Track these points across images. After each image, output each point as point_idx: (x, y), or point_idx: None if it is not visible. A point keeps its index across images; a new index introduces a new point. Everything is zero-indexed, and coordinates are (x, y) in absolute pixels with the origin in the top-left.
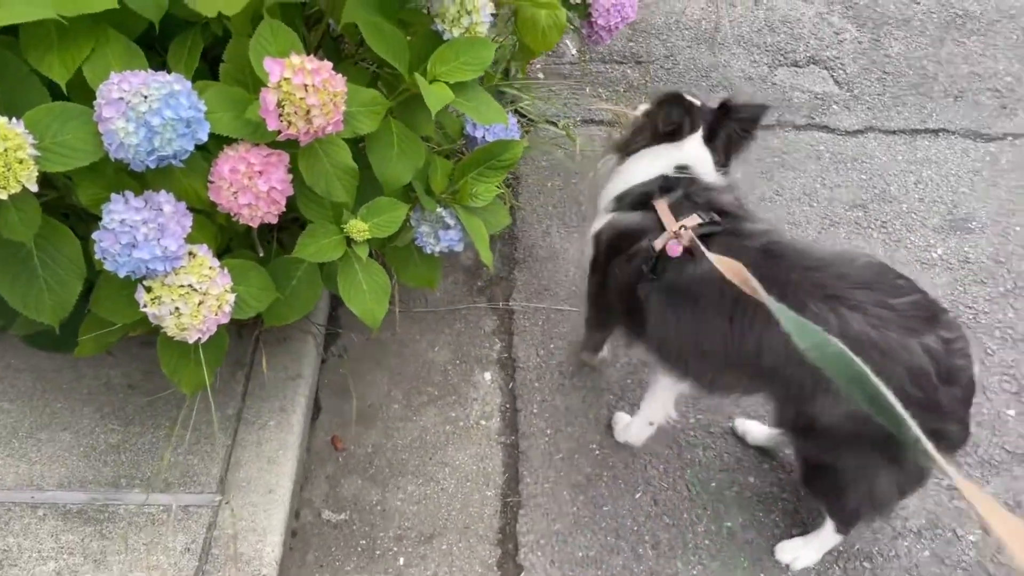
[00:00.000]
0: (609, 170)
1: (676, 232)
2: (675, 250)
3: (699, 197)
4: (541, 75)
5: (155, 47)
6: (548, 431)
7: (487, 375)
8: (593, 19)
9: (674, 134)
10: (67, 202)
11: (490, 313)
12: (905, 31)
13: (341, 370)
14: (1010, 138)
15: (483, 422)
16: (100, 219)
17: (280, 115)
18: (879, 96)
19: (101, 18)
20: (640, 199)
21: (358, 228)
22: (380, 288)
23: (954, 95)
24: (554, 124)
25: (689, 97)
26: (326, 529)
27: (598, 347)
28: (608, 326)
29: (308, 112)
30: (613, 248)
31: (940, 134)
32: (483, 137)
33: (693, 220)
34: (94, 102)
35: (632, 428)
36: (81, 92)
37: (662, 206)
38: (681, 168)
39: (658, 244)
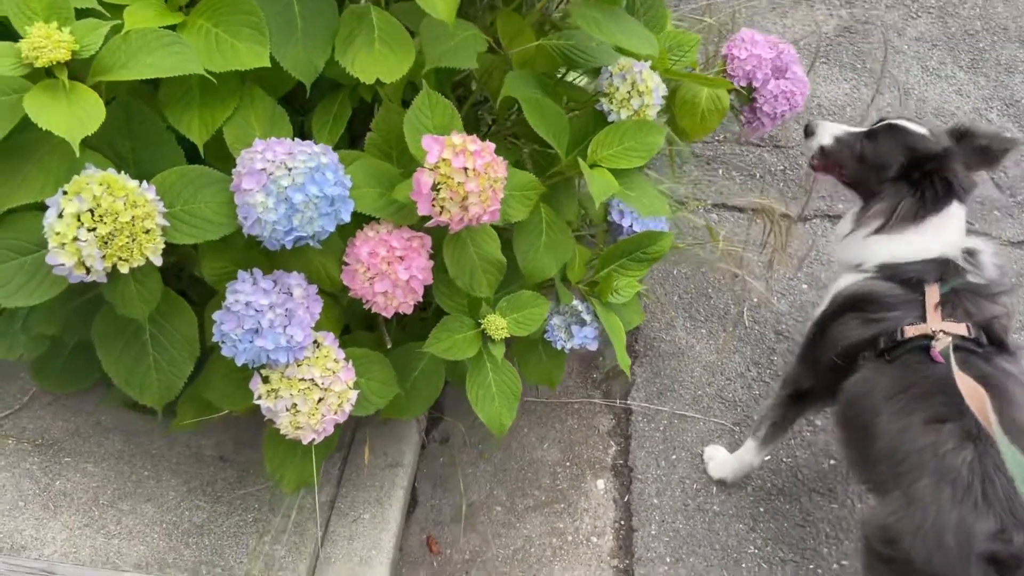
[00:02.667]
0: (864, 230)
1: (934, 333)
2: (934, 354)
3: (973, 304)
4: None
5: (293, 105)
6: (668, 559)
7: (600, 483)
8: (758, 105)
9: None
10: (184, 270)
11: (606, 411)
12: None
13: (442, 459)
14: None
15: (594, 539)
16: (217, 290)
17: (434, 200)
18: None
19: (248, 75)
20: (908, 276)
21: (497, 325)
22: (511, 392)
23: None
24: (681, 204)
25: (915, 128)
26: None
27: (781, 426)
28: (806, 394)
29: (465, 198)
30: (854, 307)
31: None
32: (630, 226)
33: (959, 329)
34: (233, 170)
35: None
36: (216, 155)
37: (932, 296)
38: (969, 254)
39: (909, 332)
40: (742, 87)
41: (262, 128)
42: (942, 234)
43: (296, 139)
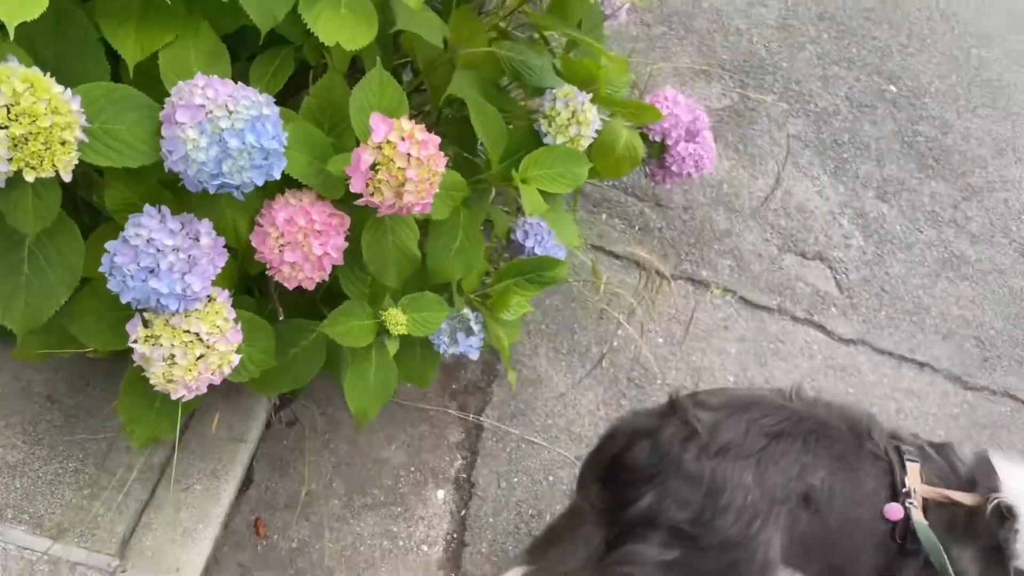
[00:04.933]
0: None
1: None
2: None
3: None
4: None
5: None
6: None
7: (440, 493)
8: (668, 163)
9: None
10: (79, 194)
11: (458, 423)
12: (907, 255)
13: (286, 442)
14: (987, 392)
15: (425, 547)
16: (114, 220)
17: (369, 179)
18: (875, 312)
19: (196, 7)
20: None
21: (397, 320)
22: (385, 388)
23: (943, 334)
24: None
25: None
26: None
27: None
28: None
29: (402, 184)
30: None
31: (925, 368)
32: (532, 248)
33: None
34: (166, 99)
35: None
36: (147, 80)
37: None
38: None
39: None
40: (655, 142)
41: (201, 63)
42: None
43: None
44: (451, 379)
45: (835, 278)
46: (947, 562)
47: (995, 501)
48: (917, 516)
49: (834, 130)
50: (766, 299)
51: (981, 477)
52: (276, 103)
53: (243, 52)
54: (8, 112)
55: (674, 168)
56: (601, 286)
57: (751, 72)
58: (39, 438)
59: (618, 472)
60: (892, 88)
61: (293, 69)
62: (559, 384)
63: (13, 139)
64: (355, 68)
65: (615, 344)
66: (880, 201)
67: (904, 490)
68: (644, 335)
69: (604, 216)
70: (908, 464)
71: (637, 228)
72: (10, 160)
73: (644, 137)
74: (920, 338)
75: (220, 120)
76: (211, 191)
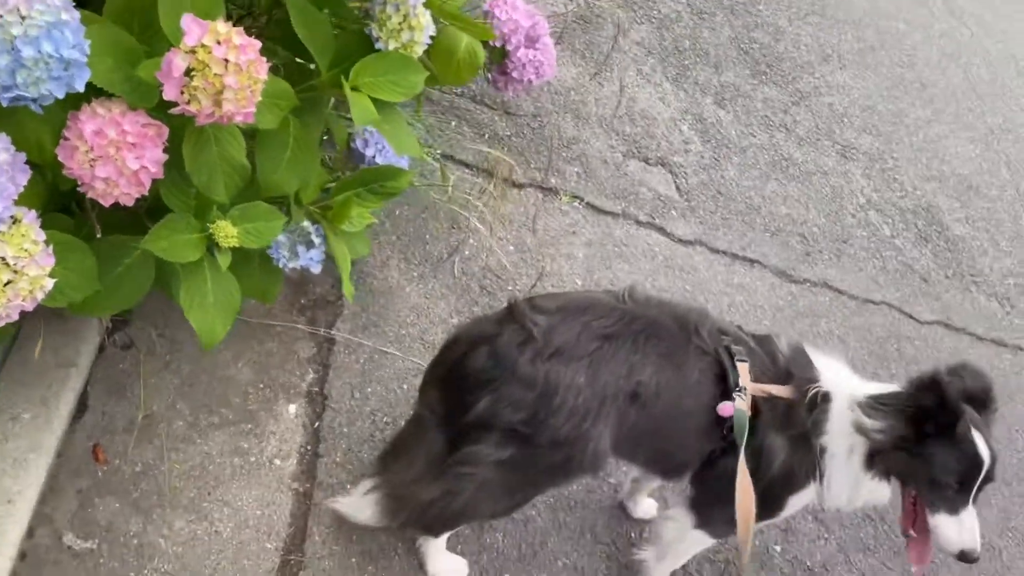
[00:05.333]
0: None
1: None
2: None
3: None
4: None
5: None
6: (348, 485)
7: (292, 408)
8: (509, 69)
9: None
10: None
11: (308, 338)
12: (740, 159)
13: (122, 366)
14: (808, 284)
15: (278, 461)
16: None
17: (184, 86)
18: (711, 213)
19: None
20: None
21: (226, 232)
22: (229, 304)
23: (772, 231)
24: None
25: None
26: (65, 557)
27: None
28: None
29: (220, 92)
30: None
31: (755, 265)
32: (373, 157)
33: None
34: None
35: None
36: None
37: None
38: None
39: None
40: (496, 47)
41: None
42: None
43: None
44: (300, 294)
45: (675, 182)
46: (744, 435)
47: (814, 391)
48: (740, 404)
49: (676, 36)
50: (612, 204)
51: (797, 369)
52: (78, 5)
53: None
54: None
55: (515, 75)
56: (449, 191)
57: None
58: None
59: (457, 378)
60: None
61: None
62: (412, 295)
63: None
64: None
65: (467, 253)
66: (718, 107)
67: (737, 390)
68: (496, 242)
69: (453, 123)
70: (739, 364)
71: (487, 136)
72: None
73: (484, 43)
74: (751, 236)
75: (12, 27)
76: (4, 104)
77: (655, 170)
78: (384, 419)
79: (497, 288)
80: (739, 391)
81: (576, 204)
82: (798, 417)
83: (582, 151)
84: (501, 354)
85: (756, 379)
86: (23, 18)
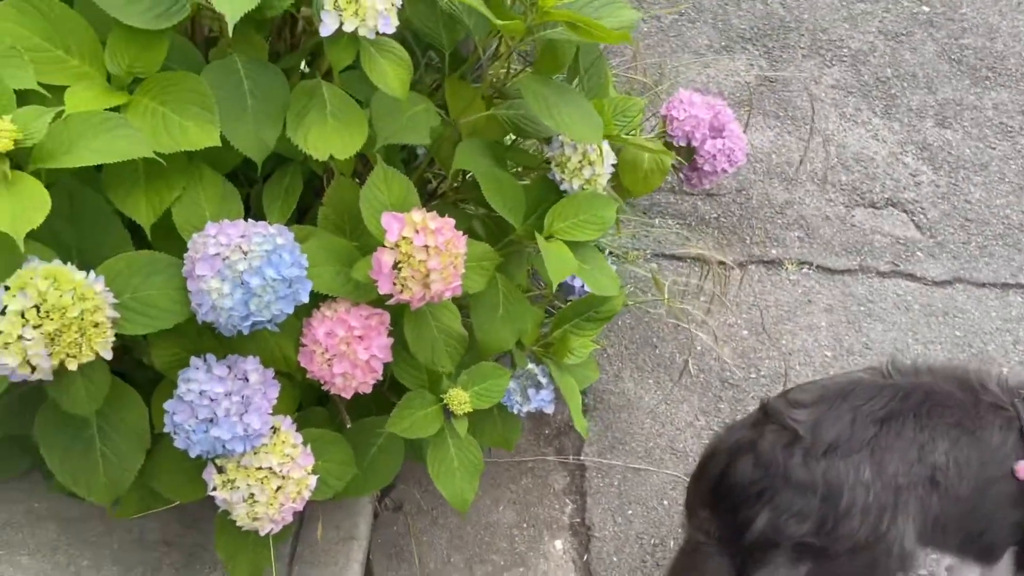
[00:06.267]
0: None
1: None
2: None
3: None
4: None
5: (238, 177)
6: None
7: (558, 544)
8: (699, 164)
9: None
10: (128, 353)
11: (559, 468)
12: (983, 177)
13: (396, 527)
14: None
15: None
16: (166, 376)
17: (395, 278)
18: (964, 244)
19: (196, 155)
20: None
21: (460, 399)
22: (472, 466)
23: None
24: (622, 256)
25: None
26: None
27: None
28: None
29: (427, 276)
30: None
31: None
32: (582, 287)
33: None
34: (185, 255)
35: None
36: (164, 236)
37: None
38: None
39: None
40: (682, 146)
41: (212, 207)
42: None
43: (249, 219)
44: (543, 425)
45: (913, 220)
46: None
47: None
48: None
49: (874, 68)
50: (845, 261)
51: None
52: (297, 219)
53: (255, 175)
54: (38, 312)
55: (707, 168)
56: (664, 293)
57: (772, 34)
58: None
59: (724, 494)
60: (924, 8)
61: (304, 181)
62: (651, 403)
63: (48, 336)
64: (366, 160)
65: (699, 348)
66: (941, 128)
67: None
68: (727, 330)
69: (657, 220)
70: None
71: (692, 223)
72: (50, 355)
73: (669, 144)
74: (1020, 260)
75: (237, 263)
76: (245, 332)
77: (886, 212)
78: (652, 541)
79: (740, 379)
80: None
81: (805, 270)
82: None
83: (798, 213)
84: (767, 460)
85: None
86: (245, 253)
